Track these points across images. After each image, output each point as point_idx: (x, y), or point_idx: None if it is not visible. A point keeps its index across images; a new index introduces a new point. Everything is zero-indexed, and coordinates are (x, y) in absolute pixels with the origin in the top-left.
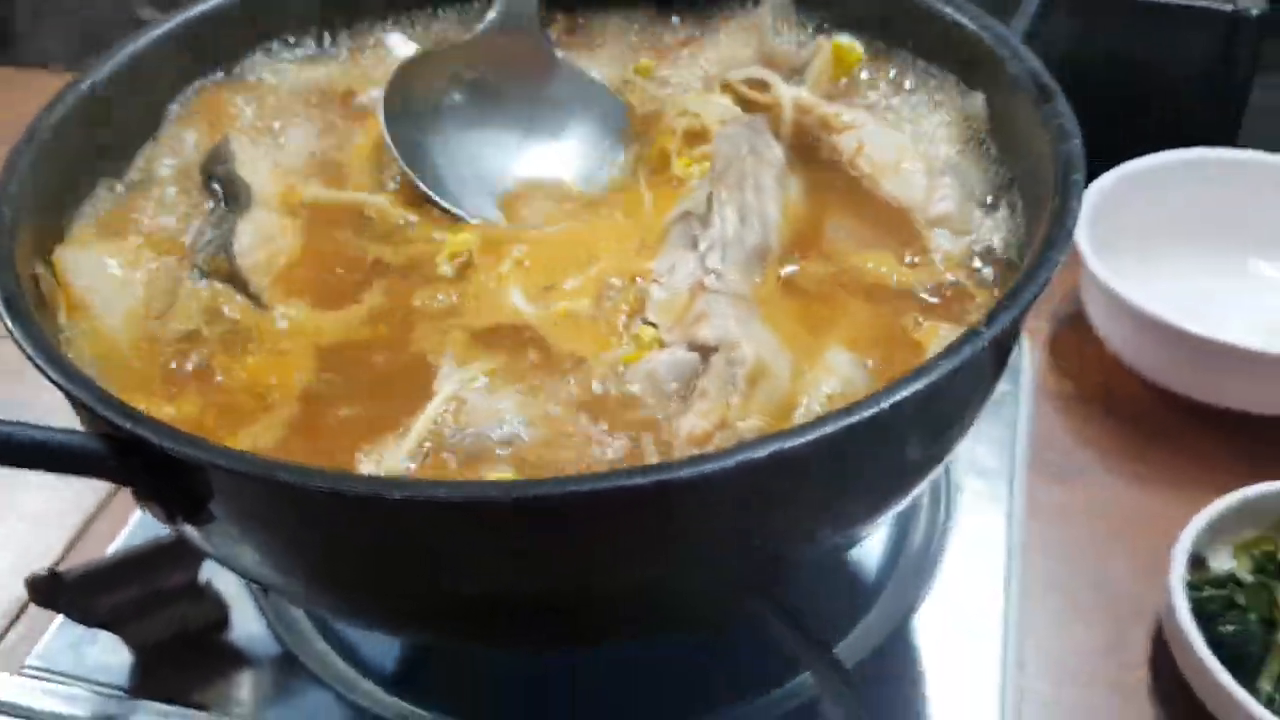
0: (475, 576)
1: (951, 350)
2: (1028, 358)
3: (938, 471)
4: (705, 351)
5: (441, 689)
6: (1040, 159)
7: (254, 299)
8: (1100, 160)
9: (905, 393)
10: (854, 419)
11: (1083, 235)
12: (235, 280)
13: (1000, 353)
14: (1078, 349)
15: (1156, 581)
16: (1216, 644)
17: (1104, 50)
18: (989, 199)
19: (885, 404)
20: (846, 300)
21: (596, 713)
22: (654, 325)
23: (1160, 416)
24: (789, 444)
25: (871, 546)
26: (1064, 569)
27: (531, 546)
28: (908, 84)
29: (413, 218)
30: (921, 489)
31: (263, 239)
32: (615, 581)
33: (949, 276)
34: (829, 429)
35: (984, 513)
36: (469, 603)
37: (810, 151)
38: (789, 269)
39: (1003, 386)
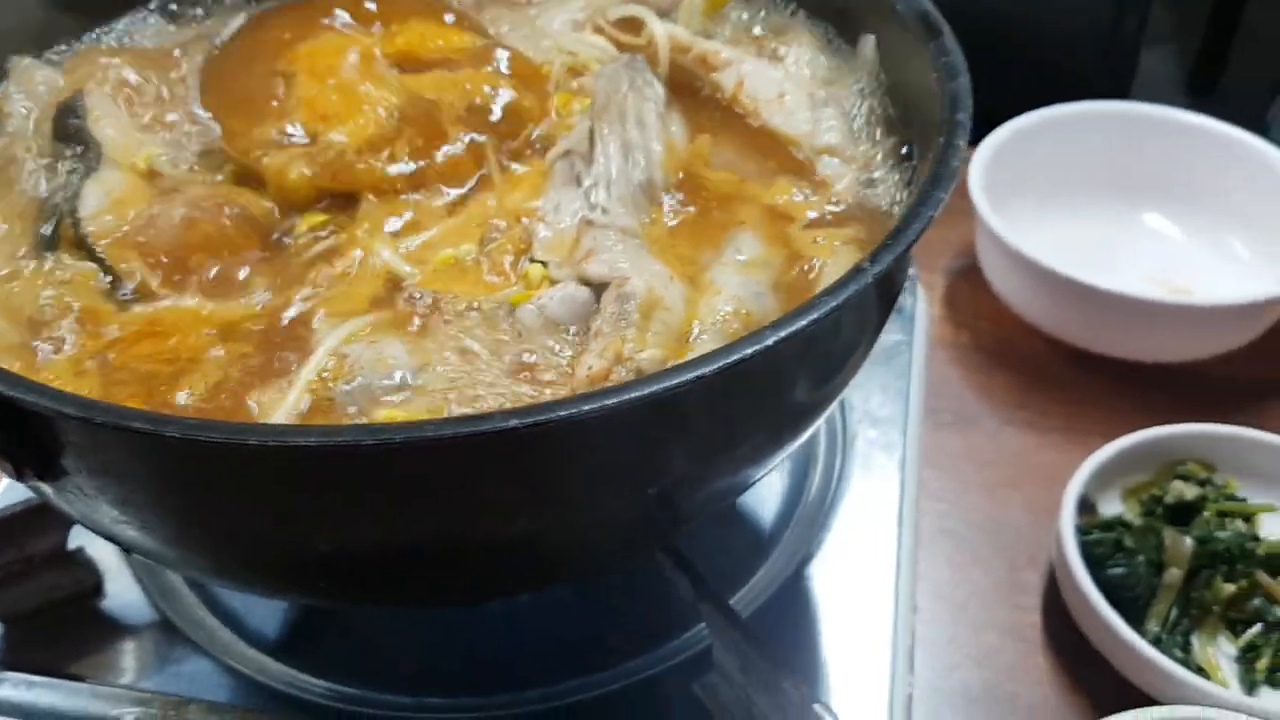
0: (342, 529)
1: (837, 287)
2: (923, 307)
3: (828, 411)
4: (596, 287)
5: (331, 655)
6: (927, 96)
7: (104, 266)
8: (995, 116)
9: (789, 330)
10: (734, 357)
11: (977, 189)
12: (83, 246)
13: (887, 291)
14: (974, 302)
15: (1049, 527)
16: (1106, 587)
17: (997, 8)
18: (876, 133)
19: (769, 341)
20: (736, 228)
21: (492, 673)
22: (543, 264)
23: (1054, 367)
24: (669, 383)
25: (769, 497)
26: (958, 515)
27: (404, 495)
28: (785, 21)
29: None
30: (813, 429)
31: (112, 202)
32: (496, 532)
33: (837, 203)
34: (708, 369)
35: (878, 461)
36: (336, 558)
37: (690, 90)
38: (676, 202)
39: (896, 336)
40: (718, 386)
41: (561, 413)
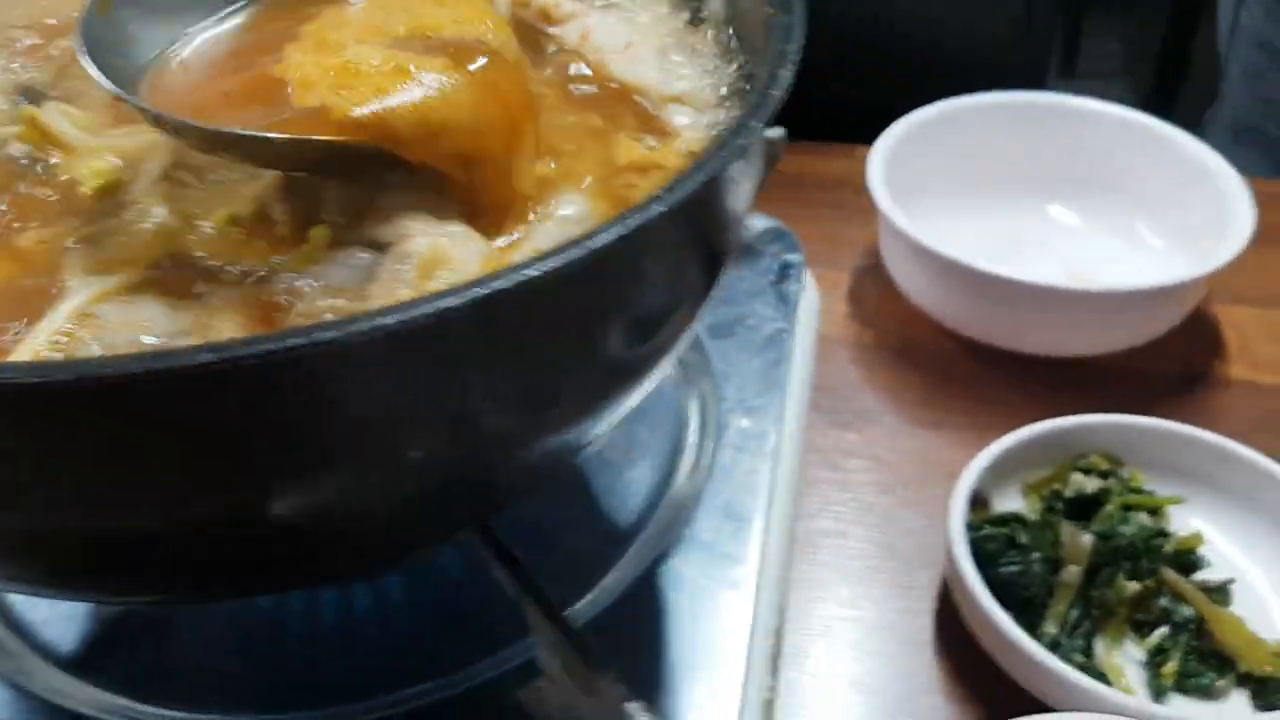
0: (43, 500)
1: (620, 219)
2: (811, 298)
3: (650, 374)
4: (381, 248)
5: (140, 670)
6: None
7: None
8: (902, 109)
9: (551, 265)
10: (487, 290)
11: (876, 182)
12: None
13: (700, 233)
14: (879, 301)
15: (943, 526)
16: (998, 586)
17: (911, 10)
18: (724, 82)
19: (530, 273)
20: (565, 184)
21: (310, 691)
22: (325, 224)
23: (959, 364)
24: (404, 316)
25: (634, 490)
26: (852, 516)
27: (110, 454)
28: None
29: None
30: (633, 394)
31: None
32: (246, 500)
33: (685, 152)
34: (455, 300)
35: (749, 453)
36: (37, 535)
37: (535, 46)
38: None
39: (778, 324)
40: (477, 324)
41: (284, 344)
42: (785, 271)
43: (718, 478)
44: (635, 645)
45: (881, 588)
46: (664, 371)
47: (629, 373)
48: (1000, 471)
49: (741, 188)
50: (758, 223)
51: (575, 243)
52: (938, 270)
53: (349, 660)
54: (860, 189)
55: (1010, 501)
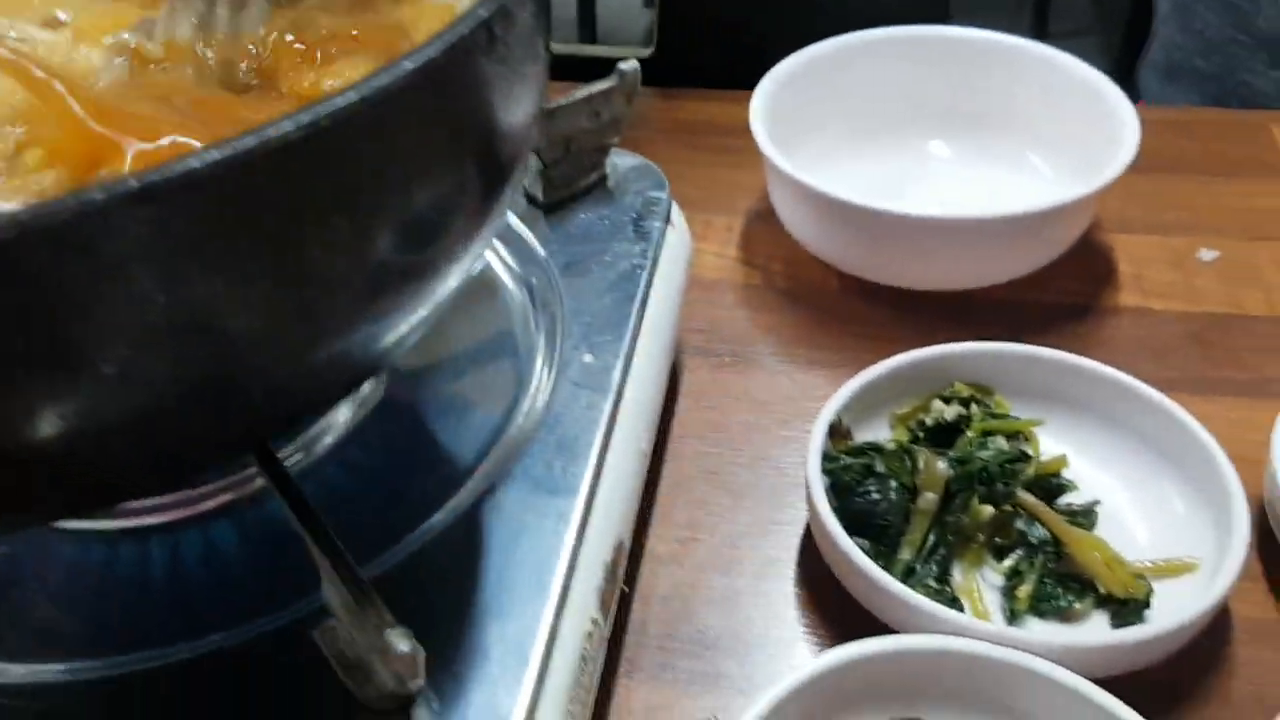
0: None
1: (348, 89)
2: (679, 236)
3: (433, 285)
4: None
5: None
6: None
7: None
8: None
9: (258, 140)
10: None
11: (759, 124)
12: None
13: (452, 108)
14: (769, 244)
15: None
16: (854, 515)
17: None
18: None
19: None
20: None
21: (115, 632)
22: None
23: (845, 304)
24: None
25: (476, 425)
26: (725, 456)
27: None
28: None
29: None
30: (399, 309)
31: None
32: None
33: None
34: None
35: (592, 390)
36: None
37: None
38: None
39: (633, 260)
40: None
41: None
42: (647, 208)
43: (557, 413)
44: (452, 580)
45: (748, 525)
46: (448, 286)
47: (394, 281)
48: (866, 403)
49: (508, 80)
50: (624, 161)
51: (309, 106)
52: (820, 209)
53: (180, 605)
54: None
55: (879, 434)
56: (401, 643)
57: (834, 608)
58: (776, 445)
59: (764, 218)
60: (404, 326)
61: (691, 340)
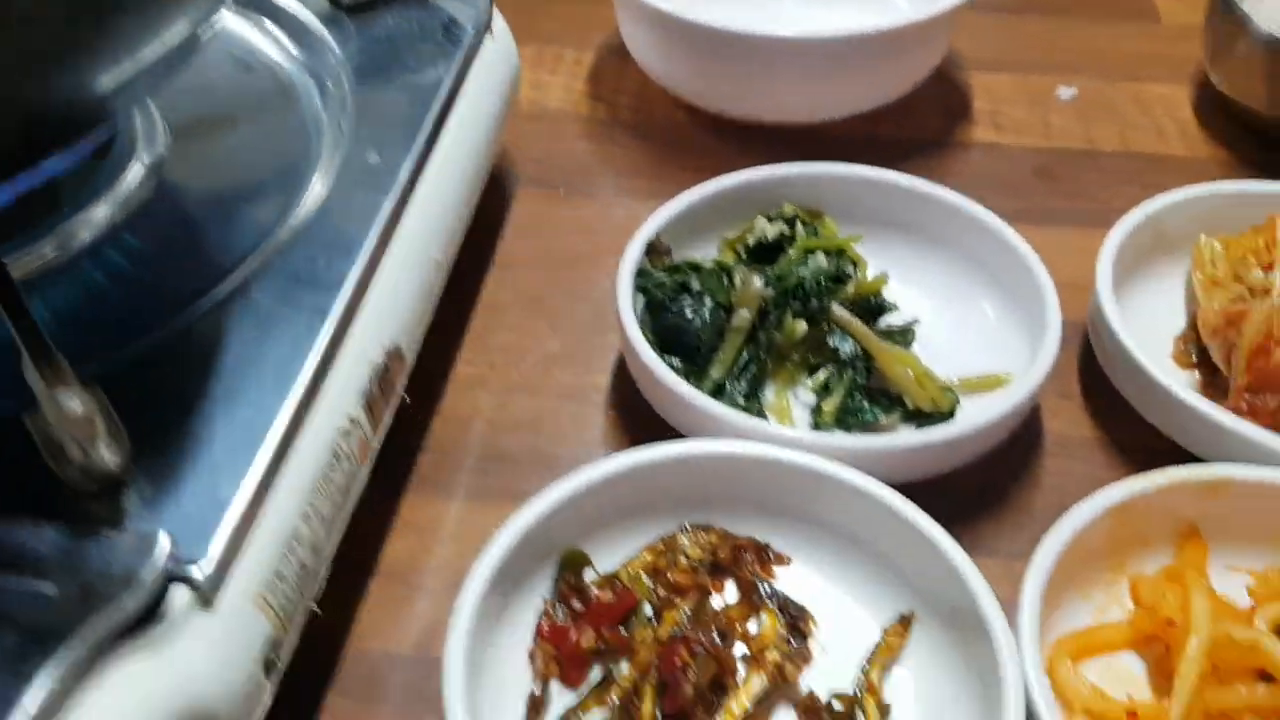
0: None
1: None
2: (502, 55)
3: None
4: None
5: None
6: None
7: None
8: None
9: None
10: None
11: None
12: None
13: None
14: (619, 78)
15: None
16: (667, 333)
17: None
18: None
19: None
20: None
21: None
22: None
23: (693, 137)
24: None
25: (247, 222)
26: (546, 284)
27: None
28: None
29: None
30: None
31: None
32: None
33: None
34: None
35: (373, 189)
36: None
37: None
38: None
39: (438, 72)
40: None
41: None
42: (457, 20)
43: (332, 211)
44: (194, 375)
45: (562, 350)
46: (168, 29)
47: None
48: (694, 226)
49: None
50: None
51: None
52: (667, 33)
53: None
54: None
55: (705, 253)
56: (73, 401)
57: (645, 430)
58: (606, 274)
59: (615, 52)
60: (121, 66)
61: (527, 170)
